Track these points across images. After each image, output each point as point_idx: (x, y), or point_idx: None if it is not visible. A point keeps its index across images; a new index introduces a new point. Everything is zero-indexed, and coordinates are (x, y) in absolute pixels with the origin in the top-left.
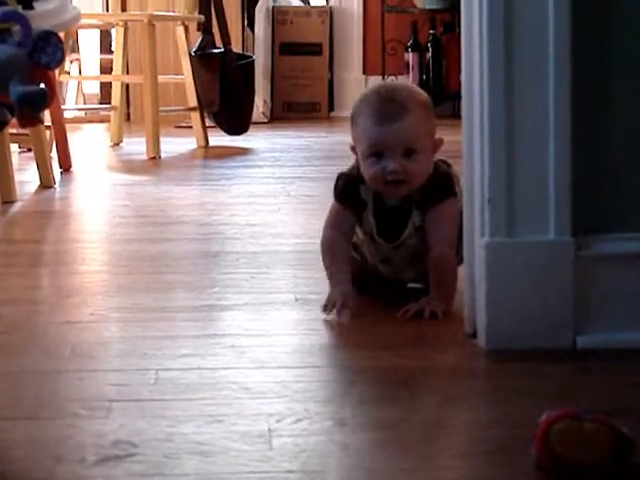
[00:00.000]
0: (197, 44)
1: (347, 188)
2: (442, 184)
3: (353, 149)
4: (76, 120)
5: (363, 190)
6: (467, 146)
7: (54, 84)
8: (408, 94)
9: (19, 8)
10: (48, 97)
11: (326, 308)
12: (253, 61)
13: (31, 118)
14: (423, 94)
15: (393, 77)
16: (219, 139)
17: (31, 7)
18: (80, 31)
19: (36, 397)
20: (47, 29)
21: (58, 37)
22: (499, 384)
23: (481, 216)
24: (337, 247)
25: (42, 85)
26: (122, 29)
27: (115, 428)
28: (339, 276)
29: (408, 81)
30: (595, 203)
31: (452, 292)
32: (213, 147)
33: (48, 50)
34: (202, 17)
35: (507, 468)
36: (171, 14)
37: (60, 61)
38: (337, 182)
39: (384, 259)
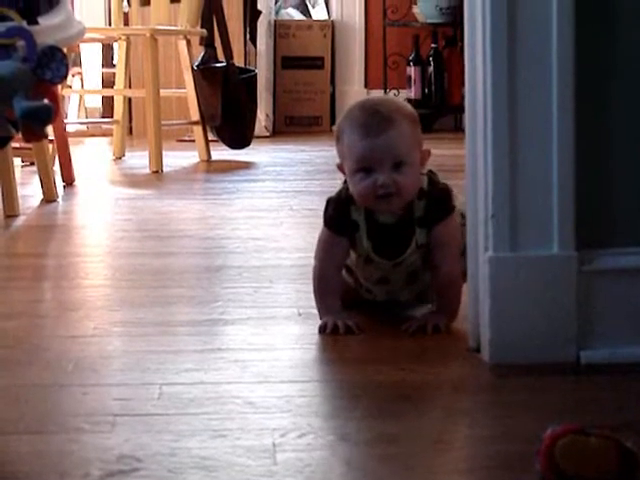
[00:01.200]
0: (199, 58)
1: (337, 213)
2: (444, 200)
3: (340, 167)
4: (78, 134)
5: (354, 211)
6: (470, 160)
7: (58, 99)
8: (393, 107)
9: (24, 23)
10: (52, 112)
11: (324, 330)
12: (255, 75)
13: (35, 133)
14: (408, 106)
15: (395, 91)
16: (221, 153)
17: (36, 22)
18: (82, 45)
19: (40, 411)
20: (51, 44)
21: (62, 52)
22: (503, 399)
23: (484, 231)
24: (330, 281)
25: (46, 100)
26: (124, 43)
27: (119, 443)
28: (330, 308)
29: (410, 95)
30: (598, 217)
31: (457, 307)
32: (215, 161)
33: (52, 65)
34: (204, 31)
35: None
36: (173, 28)
37: (64, 76)
38: (326, 208)
39: (382, 278)
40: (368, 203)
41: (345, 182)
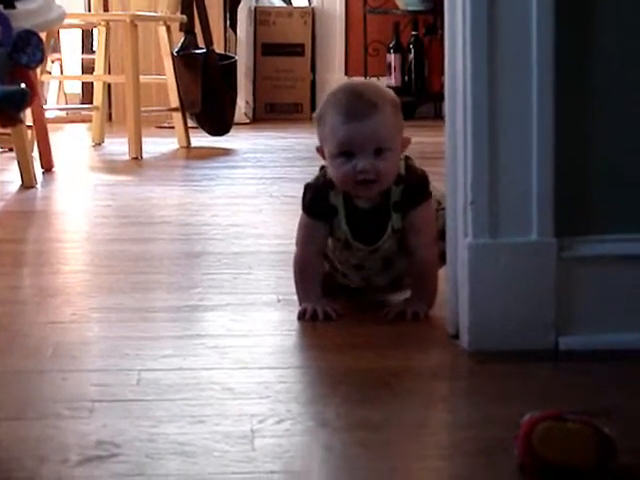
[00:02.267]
0: (179, 44)
1: (315, 198)
2: (420, 186)
3: (319, 150)
4: (58, 120)
5: (332, 195)
6: (450, 147)
7: (34, 84)
8: (376, 91)
9: (0, 7)
10: (28, 97)
11: (303, 316)
12: (235, 62)
13: (11, 117)
14: (391, 92)
15: (375, 78)
16: (201, 140)
17: (13, 6)
18: (62, 31)
19: (19, 397)
20: (27, 29)
21: (38, 37)
22: (481, 385)
23: (464, 217)
24: (311, 267)
25: (22, 85)
26: (104, 29)
27: (98, 428)
28: (309, 294)
29: (391, 82)
30: (577, 204)
31: (434, 293)
32: (195, 148)
33: (28, 50)
34: (184, 17)
35: (490, 469)
36: (153, 14)
37: (40, 61)
38: (305, 194)
39: (358, 265)
40: (347, 188)
41: (322, 168)
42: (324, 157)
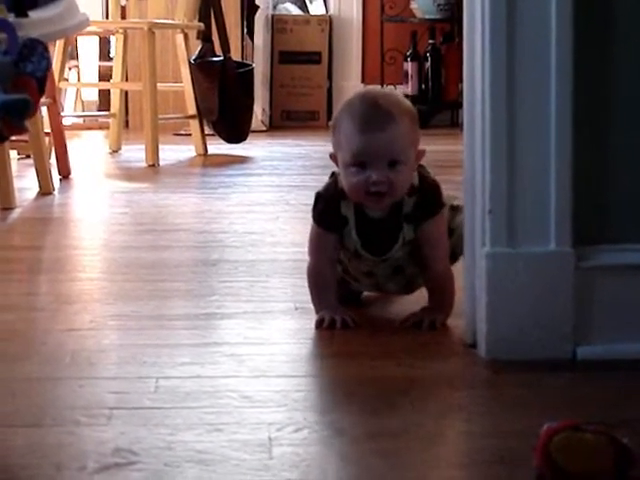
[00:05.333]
0: (196, 52)
1: (326, 209)
2: (434, 197)
3: (333, 157)
4: (75, 127)
5: (343, 205)
6: (468, 156)
7: (37, 93)
8: (394, 102)
9: (11, 16)
10: (30, 106)
11: (320, 325)
12: (252, 69)
13: (15, 126)
14: (408, 103)
15: (392, 87)
16: (218, 147)
17: (25, 15)
18: (79, 38)
19: (37, 404)
20: (33, 37)
21: (44, 46)
22: (499, 394)
23: (482, 226)
24: (325, 277)
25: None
26: (122, 36)
27: (116, 436)
28: (326, 303)
29: (407, 90)
30: (595, 214)
31: (451, 303)
32: (212, 155)
33: (33, 59)
34: (202, 25)
35: (506, 479)
36: (171, 22)
37: (46, 70)
38: (315, 204)
39: (368, 272)
40: (358, 198)
41: (332, 175)
42: (337, 164)
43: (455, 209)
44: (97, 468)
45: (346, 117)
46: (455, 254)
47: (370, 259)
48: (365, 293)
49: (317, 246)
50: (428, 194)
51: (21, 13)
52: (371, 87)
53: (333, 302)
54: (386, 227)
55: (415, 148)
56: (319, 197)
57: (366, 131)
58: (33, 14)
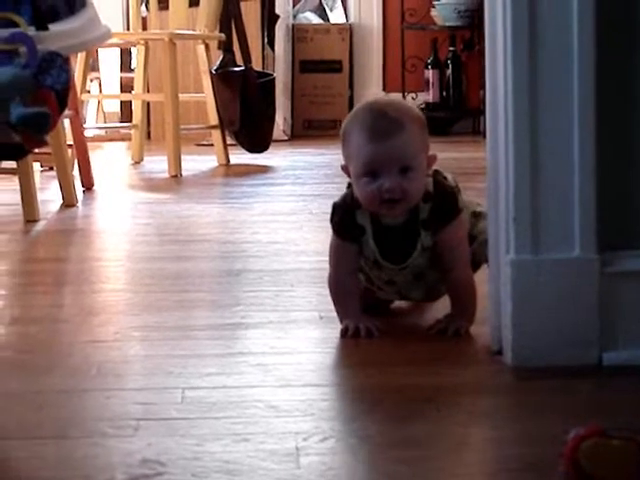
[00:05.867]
0: (218, 62)
1: (343, 219)
2: (450, 202)
3: (345, 169)
4: (97, 139)
5: (359, 215)
6: (491, 163)
7: (56, 106)
8: (401, 109)
9: (31, 29)
10: (49, 119)
11: (345, 333)
12: (273, 79)
13: (34, 140)
14: (416, 109)
15: (413, 94)
16: (240, 157)
17: (45, 28)
18: (100, 50)
19: (63, 416)
20: (52, 50)
21: (63, 58)
22: (525, 401)
23: (506, 233)
24: (346, 287)
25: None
26: (143, 48)
27: (143, 447)
28: (349, 312)
29: (428, 98)
30: (620, 220)
31: (473, 309)
32: (234, 165)
33: (52, 71)
34: (223, 35)
35: None
36: (192, 32)
37: (65, 82)
38: (332, 214)
39: (389, 280)
40: (372, 208)
41: (349, 185)
42: (349, 175)
43: (477, 216)
44: (125, 479)
45: (355, 128)
46: (477, 262)
47: (390, 267)
48: (396, 303)
49: (336, 257)
50: (444, 200)
51: (41, 26)
52: (378, 97)
53: (356, 311)
54: (403, 235)
55: (425, 154)
56: (335, 208)
57: (375, 140)
58: (54, 27)
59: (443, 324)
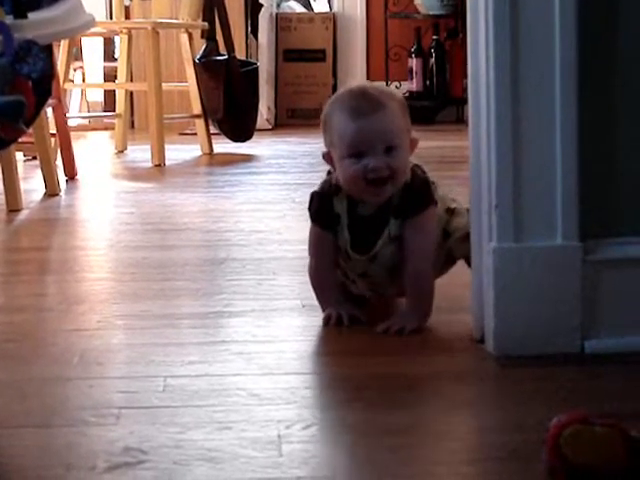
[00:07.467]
0: (201, 51)
1: (320, 207)
2: (422, 192)
3: (326, 156)
4: (80, 128)
5: (336, 202)
6: (474, 152)
7: (33, 94)
8: (382, 90)
9: (10, 18)
10: (24, 108)
11: (328, 322)
12: (257, 68)
13: (12, 128)
14: (396, 92)
15: (397, 83)
16: (223, 146)
17: (24, 16)
18: (84, 39)
19: (45, 405)
20: (28, 39)
21: (39, 47)
22: (508, 389)
23: (488, 221)
24: (326, 276)
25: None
26: (126, 37)
27: (125, 435)
28: (331, 299)
29: (412, 87)
30: (602, 207)
31: (428, 308)
32: (217, 154)
33: (29, 60)
34: (206, 24)
35: (518, 473)
36: (175, 21)
37: (42, 71)
38: (310, 203)
39: (362, 273)
40: (357, 189)
41: (329, 173)
42: (332, 164)
43: (452, 212)
44: (107, 467)
45: (336, 111)
46: (453, 257)
47: (357, 258)
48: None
49: (316, 245)
50: (417, 188)
51: (20, 14)
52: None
53: (338, 299)
54: (374, 223)
55: (408, 135)
56: (314, 196)
57: (358, 118)
58: (33, 15)
59: (388, 324)
